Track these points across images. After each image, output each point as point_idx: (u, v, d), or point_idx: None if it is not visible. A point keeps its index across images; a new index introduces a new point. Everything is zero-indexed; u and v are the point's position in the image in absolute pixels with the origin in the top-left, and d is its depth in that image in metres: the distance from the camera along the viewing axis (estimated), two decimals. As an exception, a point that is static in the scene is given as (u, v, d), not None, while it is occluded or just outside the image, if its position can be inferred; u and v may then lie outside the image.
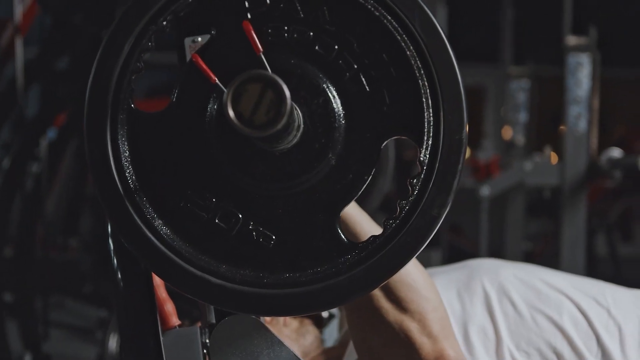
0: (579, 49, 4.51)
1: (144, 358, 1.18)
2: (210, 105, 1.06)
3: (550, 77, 6.16)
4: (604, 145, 5.14)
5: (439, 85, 1.04)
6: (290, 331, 1.84)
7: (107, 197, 1.05)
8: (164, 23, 1.07)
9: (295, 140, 1.04)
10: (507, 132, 7.03)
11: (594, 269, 6.11)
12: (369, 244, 1.04)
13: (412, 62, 1.05)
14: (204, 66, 1.03)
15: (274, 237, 1.05)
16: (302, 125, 1.03)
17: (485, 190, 4.99)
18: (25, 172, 4.14)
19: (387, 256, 1.04)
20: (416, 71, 1.05)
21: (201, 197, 1.06)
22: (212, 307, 1.24)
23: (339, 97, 1.05)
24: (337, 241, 1.05)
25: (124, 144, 1.06)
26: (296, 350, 1.80)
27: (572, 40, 4.54)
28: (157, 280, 1.23)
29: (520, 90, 6.83)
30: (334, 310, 2.10)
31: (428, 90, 1.04)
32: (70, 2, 4.06)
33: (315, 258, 1.05)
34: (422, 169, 1.03)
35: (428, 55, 1.04)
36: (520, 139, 6.75)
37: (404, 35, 1.05)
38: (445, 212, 1.03)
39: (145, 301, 1.17)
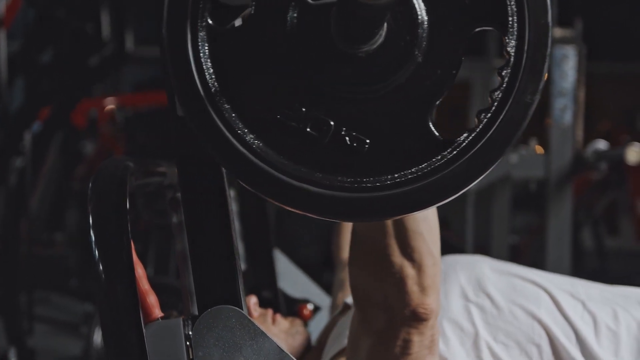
0: (564, 41, 4.51)
1: (126, 350, 1.16)
2: (290, 13, 1.06)
3: (536, 70, 6.15)
4: (589, 139, 5.14)
5: None
6: (279, 331, 1.83)
7: (196, 117, 1.04)
8: None
9: (380, 40, 1.03)
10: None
11: (580, 262, 6.12)
12: (464, 138, 1.04)
13: None
14: None
15: (367, 141, 1.05)
16: (385, 24, 1.02)
17: (471, 184, 4.97)
18: (9, 166, 4.11)
19: (484, 148, 1.04)
20: None
21: (290, 107, 1.05)
22: (194, 298, 1.23)
23: None
24: (432, 138, 1.05)
25: (207, 61, 1.05)
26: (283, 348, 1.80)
27: (557, 32, 4.54)
28: (139, 272, 1.22)
29: (505, 83, 6.83)
30: (321, 303, 2.10)
31: None
32: (54, -5, 4.04)
33: (411, 158, 1.05)
34: (510, 57, 1.03)
35: None
36: (506, 132, 6.75)
37: None
38: (538, 98, 1.03)
39: (127, 293, 1.16)
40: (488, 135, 1.03)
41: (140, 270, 1.22)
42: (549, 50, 1.04)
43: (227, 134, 1.04)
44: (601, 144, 4.74)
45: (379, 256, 1.38)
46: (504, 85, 1.04)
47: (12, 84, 4.09)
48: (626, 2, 9.38)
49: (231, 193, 1.26)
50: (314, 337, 1.93)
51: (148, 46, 5.70)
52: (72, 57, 4.15)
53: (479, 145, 1.04)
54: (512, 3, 1.04)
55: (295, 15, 1.05)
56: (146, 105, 6.11)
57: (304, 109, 1.05)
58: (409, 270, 1.38)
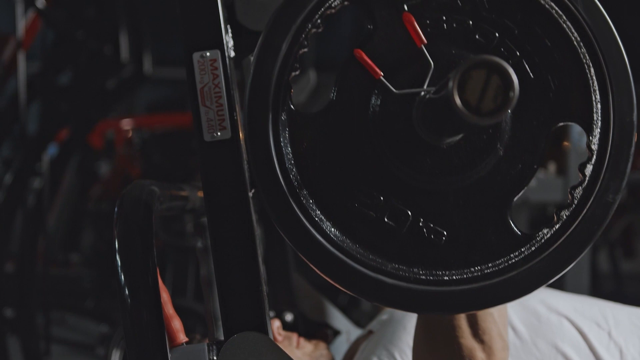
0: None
1: (151, 375, 1.16)
2: (372, 101, 1.05)
3: (553, 92, 6.14)
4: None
5: (606, 68, 1.03)
6: (303, 354, 1.82)
7: (273, 201, 1.05)
8: (319, 21, 1.06)
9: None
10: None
11: (596, 286, 6.08)
12: (543, 234, 1.03)
13: (577, 45, 1.04)
14: (370, 61, 1.03)
15: (445, 233, 1.05)
16: None
17: (488, 206, 4.94)
18: (26, 187, 4.12)
19: (563, 246, 1.04)
20: (581, 55, 1.04)
21: (369, 196, 1.05)
22: (219, 324, 1.22)
23: None
24: (510, 234, 1.04)
25: (287, 145, 1.06)
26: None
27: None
28: (164, 297, 1.21)
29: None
30: (340, 327, 2.09)
31: (594, 74, 1.03)
32: (73, 17, 4.05)
33: (489, 252, 1.04)
34: (592, 154, 1.02)
35: (593, 38, 1.04)
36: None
37: (566, 19, 1.04)
38: (619, 198, 1.02)
39: (153, 318, 1.16)
40: (567, 233, 1.03)
41: (165, 295, 1.22)
42: (633, 149, 1.03)
43: (305, 221, 1.05)
44: (619, 168, 4.71)
45: (447, 337, 1.32)
46: (586, 183, 1.03)
47: (30, 105, 4.10)
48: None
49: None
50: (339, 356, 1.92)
51: (162, 67, 5.71)
52: (90, 79, 4.16)
53: (557, 244, 1.03)
54: (598, 99, 1.03)
55: (378, 103, 1.05)
56: (162, 126, 6.13)
57: (382, 198, 1.05)
58: (479, 354, 1.31)
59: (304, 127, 1.07)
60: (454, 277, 1.04)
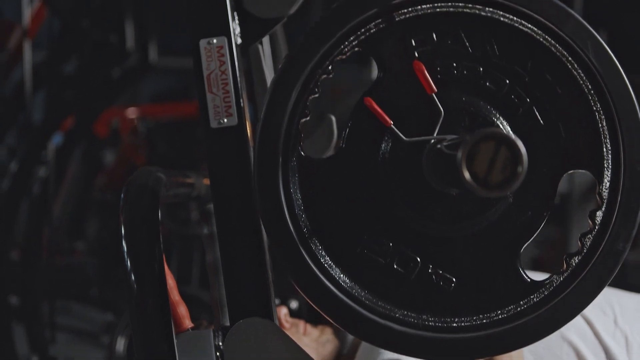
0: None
1: (157, 360, 1.17)
2: (382, 148, 1.05)
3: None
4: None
5: (617, 115, 1.03)
6: (310, 340, 1.83)
7: (282, 247, 1.06)
8: (330, 67, 1.06)
9: None
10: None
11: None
12: (552, 281, 1.04)
13: (587, 93, 1.04)
14: (379, 110, 1.03)
15: (454, 280, 1.05)
16: None
17: (493, 196, 4.94)
18: (32, 176, 4.13)
19: (573, 294, 1.04)
20: (592, 103, 1.03)
21: (378, 242, 1.05)
22: (225, 310, 1.23)
23: (513, 133, 1.03)
24: (520, 281, 1.04)
25: (296, 192, 1.06)
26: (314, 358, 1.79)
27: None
28: (170, 283, 1.22)
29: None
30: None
31: (605, 121, 1.03)
32: (79, 6, 4.05)
33: (498, 299, 1.05)
34: (603, 202, 1.02)
35: (604, 85, 1.03)
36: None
37: (577, 66, 1.04)
38: (630, 246, 1.02)
39: (159, 304, 1.16)
40: (577, 281, 1.03)
41: (171, 281, 1.23)
42: None
43: (314, 267, 1.05)
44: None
45: None
46: (596, 231, 1.03)
47: (36, 93, 4.10)
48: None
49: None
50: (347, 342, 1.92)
51: (167, 56, 5.71)
52: (95, 68, 4.16)
53: (566, 292, 1.03)
54: (608, 147, 1.03)
55: (387, 149, 1.05)
56: (166, 115, 6.13)
57: (391, 244, 1.05)
58: None
59: (314, 174, 1.07)
60: (463, 324, 1.05)
